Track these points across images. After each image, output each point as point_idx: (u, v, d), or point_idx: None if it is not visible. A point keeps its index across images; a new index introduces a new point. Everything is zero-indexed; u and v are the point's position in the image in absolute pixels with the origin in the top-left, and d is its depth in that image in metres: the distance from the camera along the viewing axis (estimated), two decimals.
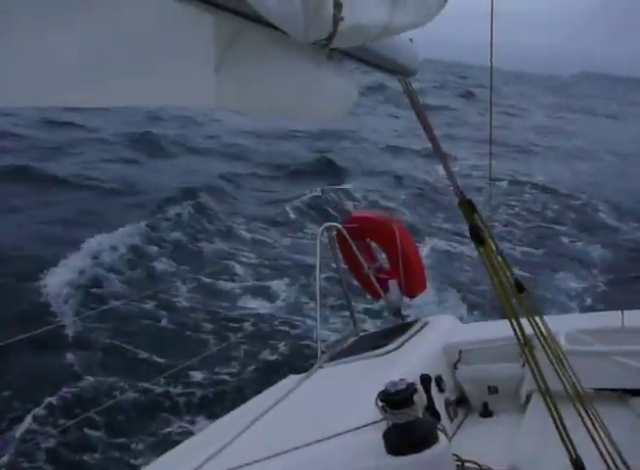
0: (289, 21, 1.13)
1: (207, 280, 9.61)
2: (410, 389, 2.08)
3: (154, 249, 10.58)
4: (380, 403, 2.17)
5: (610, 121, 47.15)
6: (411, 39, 2.41)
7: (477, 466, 2.92)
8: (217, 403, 6.35)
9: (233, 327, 8.17)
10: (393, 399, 2.06)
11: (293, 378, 3.78)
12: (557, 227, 14.75)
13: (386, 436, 2.14)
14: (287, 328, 8.09)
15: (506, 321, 2.57)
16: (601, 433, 2.55)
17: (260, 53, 1.26)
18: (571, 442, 2.53)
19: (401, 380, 2.10)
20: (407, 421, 2.05)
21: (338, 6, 1.32)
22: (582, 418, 2.53)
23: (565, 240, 13.84)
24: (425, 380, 3.32)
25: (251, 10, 1.06)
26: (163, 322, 8.18)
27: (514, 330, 2.53)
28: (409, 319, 4.58)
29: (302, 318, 8.21)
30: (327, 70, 1.55)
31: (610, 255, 12.73)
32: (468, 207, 2.43)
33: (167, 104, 1.19)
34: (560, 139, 31.57)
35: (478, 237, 2.37)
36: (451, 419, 3.62)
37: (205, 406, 6.44)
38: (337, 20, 1.32)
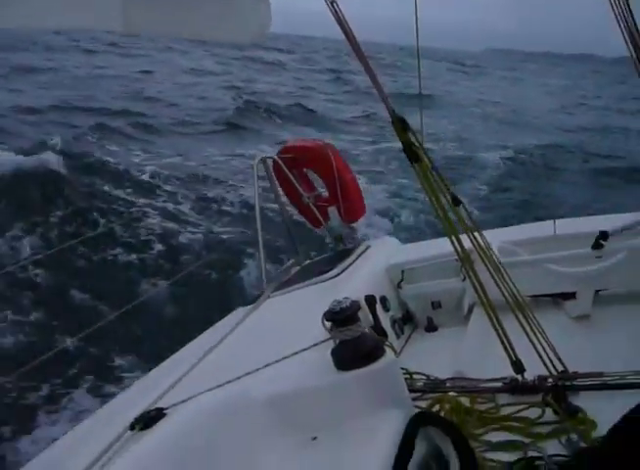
0: None
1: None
2: (354, 306, 2.11)
3: None
4: (326, 323, 2.21)
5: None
6: None
7: (424, 377, 3.03)
8: (166, 343, 6.36)
9: (175, 265, 8.12)
10: (338, 316, 2.09)
11: (241, 310, 3.80)
12: None
13: (334, 353, 2.19)
14: (233, 262, 8.09)
15: (445, 239, 2.62)
16: (539, 336, 2.67)
17: None
18: (511, 346, 2.64)
19: (345, 298, 2.14)
20: (353, 337, 2.10)
21: None
22: (521, 324, 2.64)
23: None
24: (369, 300, 3.39)
25: None
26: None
27: (453, 245, 2.59)
28: (351, 244, 4.62)
29: (247, 252, 8.21)
30: None
31: None
32: (400, 124, 2.43)
33: (75, 28, 1.13)
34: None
35: (412, 153, 2.39)
36: (398, 336, 3.73)
37: (154, 347, 6.43)
38: None
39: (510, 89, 43.56)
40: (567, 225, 3.93)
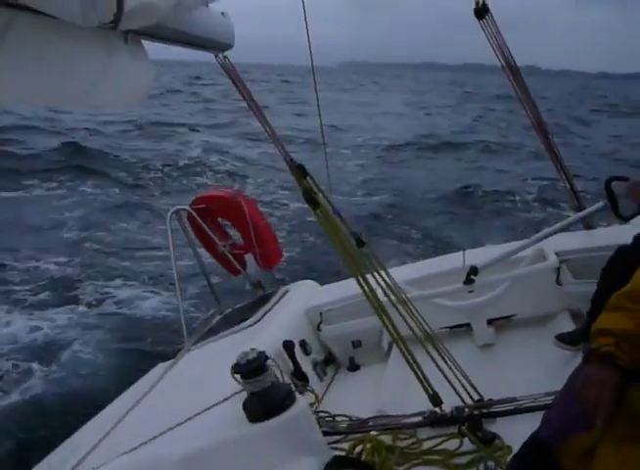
0: (60, 5, 1.08)
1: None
2: (260, 357, 2.12)
3: None
4: (235, 375, 2.21)
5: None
6: (223, 13, 2.39)
7: (347, 418, 3.05)
8: (90, 405, 6.15)
9: (99, 320, 7.91)
10: (245, 368, 2.10)
11: (162, 365, 3.74)
12: None
13: (245, 405, 2.19)
14: (153, 316, 7.94)
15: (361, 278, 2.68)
16: (453, 368, 2.74)
17: (40, 42, 1.18)
18: (426, 380, 2.70)
19: (252, 349, 2.15)
20: (263, 388, 2.10)
21: None
22: (433, 358, 2.70)
23: None
24: (288, 346, 3.40)
25: None
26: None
27: (360, 286, 2.64)
28: (270, 290, 4.64)
29: (167, 304, 8.09)
30: (122, 55, 1.49)
31: None
32: (299, 172, 2.48)
33: None
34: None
35: (311, 200, 2.44)
36: (321, 378, 3.73)
37: (80, 408, 6.20)
38: (120, 1, 1.28)
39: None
40: (474, 255, 4.05)
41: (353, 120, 31.47)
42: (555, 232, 3.51)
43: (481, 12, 3.13)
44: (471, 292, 3.57)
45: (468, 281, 3.51)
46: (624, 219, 3.37)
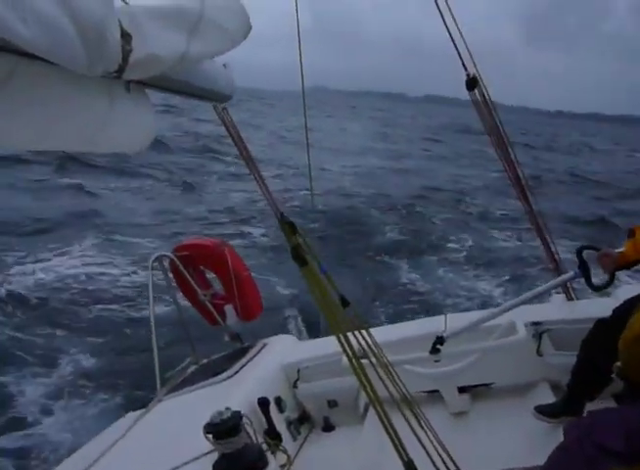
0: (66, 54, 1.08)
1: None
2: (234, 417, 2.07)
3: None
4: (207, 435, 2.14)
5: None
6: (225, 64, 2.41)
7: None
8: (59, 448, 5.97)
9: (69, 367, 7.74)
10: (219, 429, 2.04)
11: (131, 415, 3.66)
12: None
13: (214, 467, 2.12)
14: (127, 362, 7.79)
15: (341, 335, 2.64)
16: (429, 433, 2.69)
17: (42, 88, 1.18)
18: (402, 446, 2.63)
19: (227, 409, 2.09)
20: (235, 450, 2.04)
21: (125, 36, 1.28)
22: (409, 422, 2.65)
23: None
24: (263, 403, 3.33)
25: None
26: None
27: (341, 345, 2.60)
28: (248, 343, 4.58)
29: (143, 351, 7.93)
30: (124, 104, 1.49)
31: None
32: (289, 228, 2.46)
33: None
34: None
35: (299, 258, 2.41)
36: (294, 438, 3.65)
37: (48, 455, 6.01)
38: (126, 51, 1.28)
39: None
40: (457, 318, 4.03)
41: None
42: (526, 301, 3.52)
43: (472, 84, 3.19)
44: (437, 361, 3.55)
45: (434, 350, 3.50)
46: (596, 289, 3.39)
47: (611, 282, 3.30)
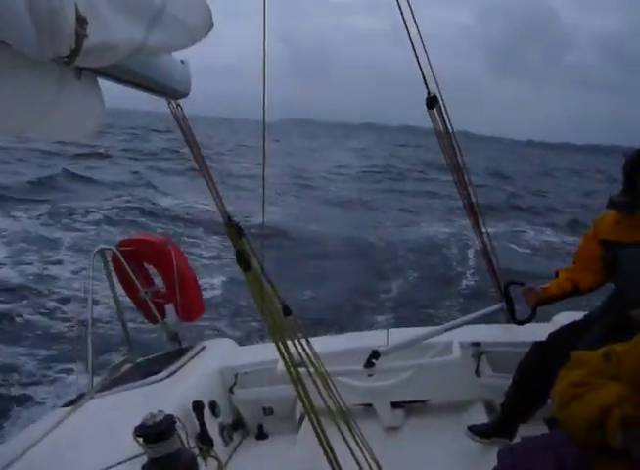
0: (14, 33, 1.03)
1: None
2: (167, 421, 2.02)
3: None
4: (137, 438, 2.08)
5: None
6: (182, 61, 2.37)
7: None
8: None
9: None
10: (150, 432, 1.98)
11: (60, 410, 3.55)
12: None
13: None
14: (59, 356, 7.60)
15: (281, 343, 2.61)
16: (362, 446, 2.68)
17: None
18: (335, 458, 2.62)
19: (159, 412, 2.04)
20: (164, 455, 1.98)
21: (81, 21, 1.23)
22: (343, 435, 2.64)
23: None
24: (197, 406, 3.27)
25: None
26: None
27: (280, 353, 2.57)
28: (186, 344, 4.50)
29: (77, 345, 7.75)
30: (73, 91, 1.43)
31: None
32: (235, 232, 2.43)
33: None
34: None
35: (243, 262, 2.37)
36: (226, 443, 3.60)
37: None
38: (80, 36, 1.23)
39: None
40: (400, 333, 4.05)
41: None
42: (462, 324, 3.61)
43: (432, 102, 3.23)
44: (370, 375, 3.58)
45: (368, 364, 3.53)
46: (519, 323, 3.52)
47: (533, 316, 3.44)
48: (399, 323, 9.43)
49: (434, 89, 3.29)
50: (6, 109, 1.28)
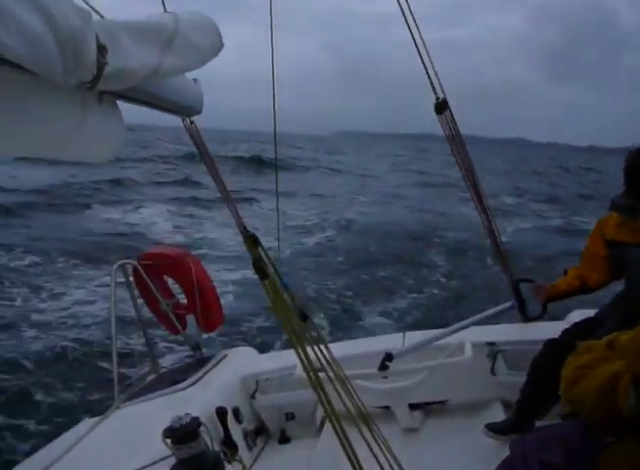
0: (43, 63, 1.11)
1: None
2: (193, 423, 2.10)
3: None
4: (166, 440, 2.17)
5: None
6: (195, 79, 2.47)
7: None
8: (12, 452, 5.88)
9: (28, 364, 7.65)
10: (177, 433, 2.07)
11: (89, 421, 3.64)
12: None
13: None
14: (85, 368, 7.72)
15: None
16: (383, 448, 2.74)
17: (14, 94, 1.22)
18: (357, 461, 2.68)
19: (186, 414, 2.12)
20: (191, 455, 2.07)
21: (101, 49, 1.32)
22: (364, 437, 2.70)
23: None
24: (220, 413, 3.36)
25: None
26: None
27: (299, 358, 2.65)
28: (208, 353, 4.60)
29: (103, 357, 7.87)
30: (95, 114, 1.53)
31: None
32: (251, 241, 2.51)
33: None
34: None
35: (260, 270, 2.45)
36: (250, 448, 3.69)
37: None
38: (101, 63, 1.32)
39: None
40: (414, 337, 4.11)
41: None
42: (474, 323, 3.64)
43: (441, 107, 3.26)
44: (385, 378, 3.62)
45: (382, 367, 3.57)
46: (530, 320, 3.55)
47: (543, 312, 3.48)
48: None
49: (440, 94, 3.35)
50: (33, 132, 1.37)
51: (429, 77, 3.25)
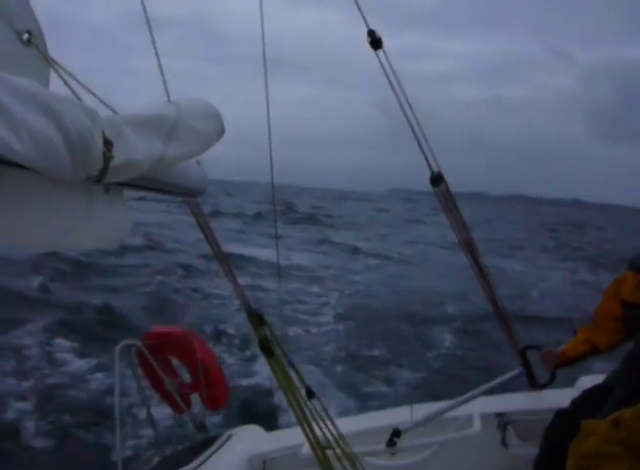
0: (53, 165, 1.15)
1: None
2: None
3: None
4: None
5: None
6: (198, 161, 2.53)
7: None
8: None
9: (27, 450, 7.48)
10: None
11: None
12: None
13: None
14: (91, 450, 7.56)
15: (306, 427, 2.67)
16: None
17: (23, 192, 1.25)
18: None
19: None
20: None
21: (107, 144, 1.37)
22: None
23: None
24: None
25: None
26: None
27: (307, 437, 2.63)
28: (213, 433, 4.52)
29: (106, 440, 7.72)
30: (102, 204, 1.56)
31: None
32: (256, 320, 2.53)
33: None
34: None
35: (266, 349, 2.46)
36: None
37: None
38: (107, 158, 1.37)
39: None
40: (422, 409, 4.05)
41: None
42: (480, 394, 3.59)
43: (437, 180, 3.28)
44: (393, 454, 3.55)
45: (390, 443, 3.50)
46: (539, 387, 3.51)
47: (552, 379, 3.45)
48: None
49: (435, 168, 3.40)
50: (40, 226, 1.41)
51: (423, 153, 3.29)
